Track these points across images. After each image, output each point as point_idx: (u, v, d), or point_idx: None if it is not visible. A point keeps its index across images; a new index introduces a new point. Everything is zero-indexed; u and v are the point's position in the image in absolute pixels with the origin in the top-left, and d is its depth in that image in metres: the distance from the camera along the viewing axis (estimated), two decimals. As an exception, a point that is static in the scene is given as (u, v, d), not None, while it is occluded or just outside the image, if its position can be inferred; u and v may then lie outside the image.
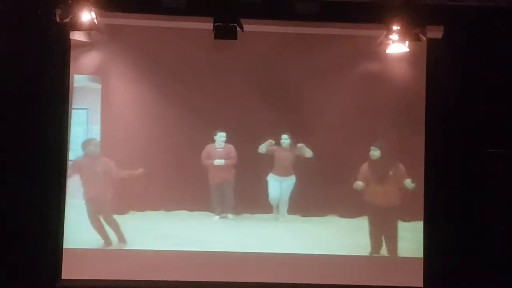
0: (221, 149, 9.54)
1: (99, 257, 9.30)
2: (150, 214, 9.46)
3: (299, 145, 9.48)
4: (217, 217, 9.50)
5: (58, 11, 8.54)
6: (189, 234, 9.42)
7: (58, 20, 8.54)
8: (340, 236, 9.49)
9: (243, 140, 9.51)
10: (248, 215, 9.52)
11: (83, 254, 9.27)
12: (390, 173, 9.50)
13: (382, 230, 9.50)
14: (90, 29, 8.67)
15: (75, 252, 9.27)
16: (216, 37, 8.75)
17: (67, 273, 9.27)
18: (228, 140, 9.52)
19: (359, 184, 9.42)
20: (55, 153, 9.27)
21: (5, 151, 9.15)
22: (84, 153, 9.35)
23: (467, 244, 9.32)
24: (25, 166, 9.15)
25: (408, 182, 9.46)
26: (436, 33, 9.19)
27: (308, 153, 9.47)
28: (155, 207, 9.48)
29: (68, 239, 9.30)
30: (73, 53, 9.31)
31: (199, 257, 9.34)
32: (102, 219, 9.33)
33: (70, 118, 9.31)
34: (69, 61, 9.30)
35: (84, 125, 9.42)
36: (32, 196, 9.13)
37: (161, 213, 9.48)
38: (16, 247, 9.13)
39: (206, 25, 8.80)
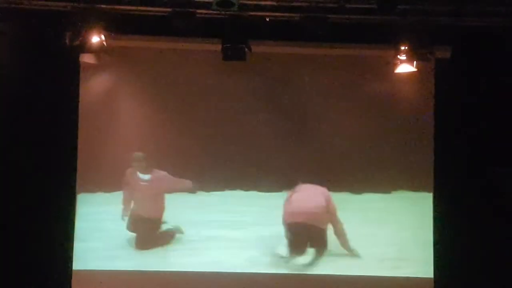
0: None
1: (111, 279, 9.27)
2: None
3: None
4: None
5: (68, 34, 8.60)
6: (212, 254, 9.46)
7: (68, 42, 8.60)
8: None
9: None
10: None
11: (94, 276, 9.26)
12: None
13: None
14: (99, 51, 8.74)
15: (85, 274, 9.27)
16: (224, 58, 8.79)
17: (76, 297, 9.28)
18: (238, 156, 9.53)
19: None
20: (63, 174, 9.29)
21: (13, 172, 9.17)
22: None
23: (479, 264, 9.30)
24: (34, 185, 9.18)
25: None
26: (444, 53, 9.21)
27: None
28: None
29: (77, 260, 9.30)
30: (82, 75, 9.36)
31: (220, 278, 9.33)
32: None
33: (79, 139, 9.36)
34: (78, 83, 9.35)
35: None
36: (40, 216, 9.15)
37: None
38: (23, 269, 9.14)
39: (215, 46, 8.84)
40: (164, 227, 9.44)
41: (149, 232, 9.42)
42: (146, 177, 9.52)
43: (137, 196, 9.49)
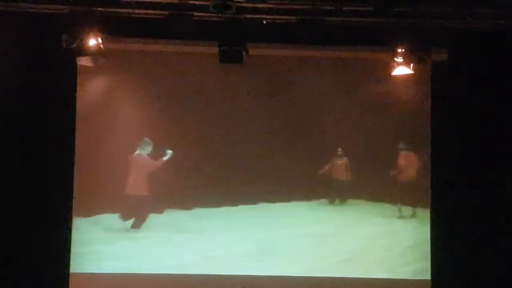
0: None
1: (108, 282, 9.28)
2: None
3: None
4: None
5: (65, 37, 8.61)
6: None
7: (65, 45, 8.62)
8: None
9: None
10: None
11: (91, 278, 9.26)
12: None
13: None
14: (96, 54, 8.75)
15: (83, 276, 9.27)
16: (221, 61, 8.81)
17: (74, 299, 9.28)
18: (236, 160, 9.54)
19: None
20: (60, 177, 9.30)
21: (11, 174, 9.18)
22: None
23: (477, 266, 9.32)
24: (32, 187, 9.19)
25: None
26: (441, 55, 9.22)
27: None
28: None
29: (75, 262, 9.30)
30: (80, 78, 9.37)
31: (219, 280, 9.35)
32: None
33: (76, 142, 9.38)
34: (76, 86, 9.36)
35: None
36: (38, 218, 9.15)
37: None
38: (19, 272, 9.13)
39: (212, 49, 8.85)
40: None
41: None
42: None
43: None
